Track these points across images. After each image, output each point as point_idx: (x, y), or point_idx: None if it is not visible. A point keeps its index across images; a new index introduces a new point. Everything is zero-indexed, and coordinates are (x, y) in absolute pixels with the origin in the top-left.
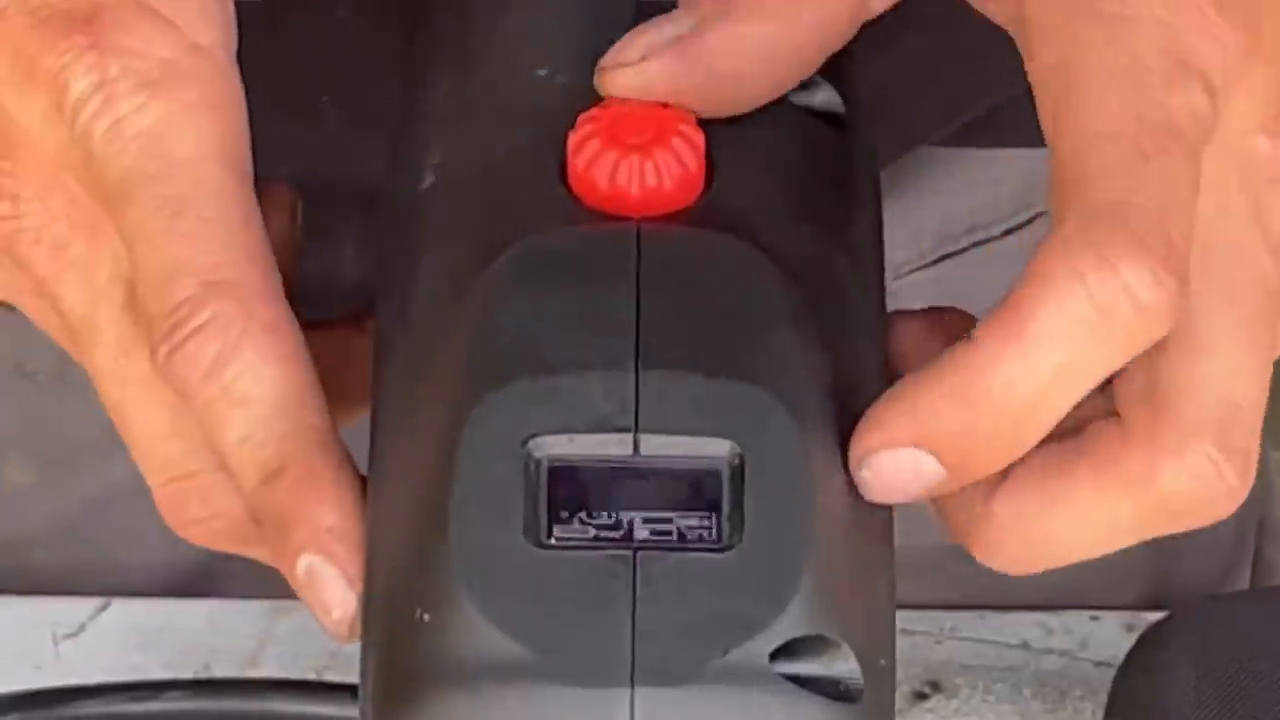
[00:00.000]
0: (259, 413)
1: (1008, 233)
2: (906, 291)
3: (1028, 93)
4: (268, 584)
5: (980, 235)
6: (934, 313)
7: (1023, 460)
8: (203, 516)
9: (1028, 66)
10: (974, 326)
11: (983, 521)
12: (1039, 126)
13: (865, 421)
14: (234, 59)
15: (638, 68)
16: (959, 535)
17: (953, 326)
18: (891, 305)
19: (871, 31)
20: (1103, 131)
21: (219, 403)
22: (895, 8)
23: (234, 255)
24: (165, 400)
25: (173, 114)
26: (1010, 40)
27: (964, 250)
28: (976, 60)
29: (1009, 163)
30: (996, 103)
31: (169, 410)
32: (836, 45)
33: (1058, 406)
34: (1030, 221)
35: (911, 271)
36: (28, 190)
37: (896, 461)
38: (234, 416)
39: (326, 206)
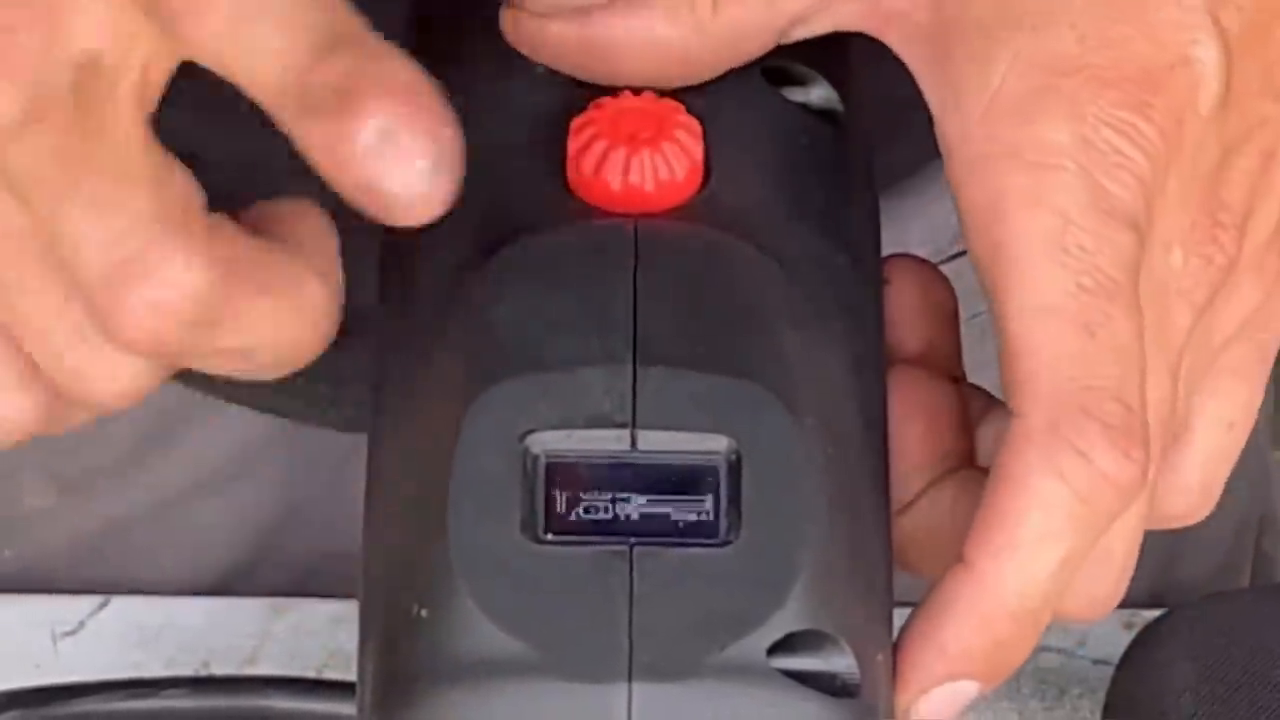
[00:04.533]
0: None
1: None
2: None
3: None
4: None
5: None
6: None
7: None
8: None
9: (953, 186)
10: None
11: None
12: None
13: (899, 672)
14: None
15: (538, 23)
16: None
17: (939, 293)
18: None
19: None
20: (1045, 306)
21: None
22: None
23: None
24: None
25: None
26: None
27: None
28: None
29: None
30: None
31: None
32: (739, 62)
33: (1065, 583)
34: None
35: None
36: None
37: (938, 699)
38: None
39: (346, 235)
